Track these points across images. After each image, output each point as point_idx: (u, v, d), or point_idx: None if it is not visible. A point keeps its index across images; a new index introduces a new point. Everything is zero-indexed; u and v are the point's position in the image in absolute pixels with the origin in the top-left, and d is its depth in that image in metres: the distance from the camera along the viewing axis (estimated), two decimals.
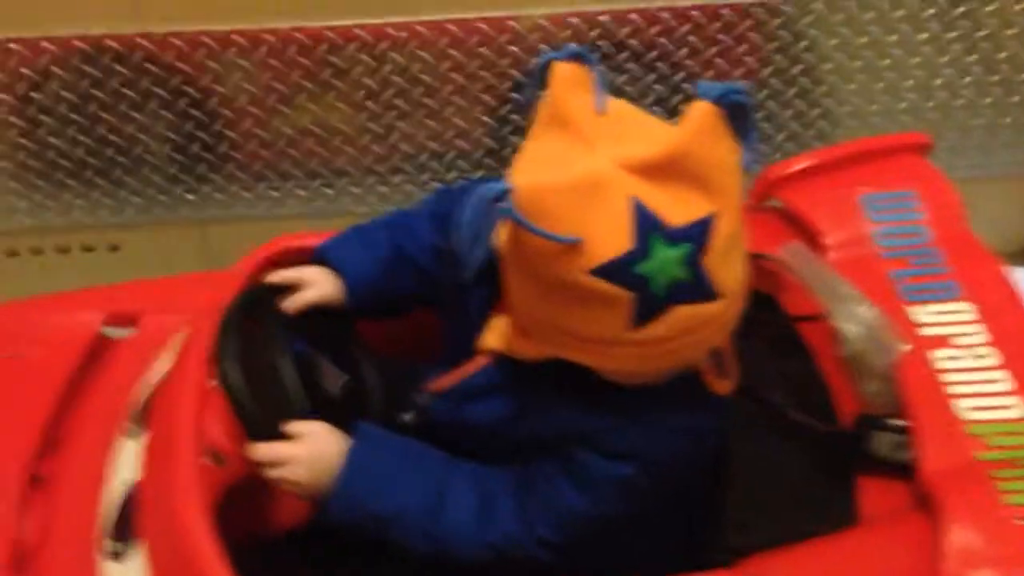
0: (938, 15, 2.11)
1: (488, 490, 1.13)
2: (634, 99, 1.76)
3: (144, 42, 2.02)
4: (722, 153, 0.93)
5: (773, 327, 1.44)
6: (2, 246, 2.28)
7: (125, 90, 2.08)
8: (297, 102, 2.11)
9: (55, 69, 2.04)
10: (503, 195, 0.90)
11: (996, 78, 2.19)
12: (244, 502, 1.25)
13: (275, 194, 2.22)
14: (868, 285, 1.37)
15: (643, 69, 2.12)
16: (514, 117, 2.18)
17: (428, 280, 1.27)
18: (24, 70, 2.04)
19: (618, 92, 1.89)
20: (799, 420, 1.32)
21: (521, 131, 2.20)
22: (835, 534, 1.18)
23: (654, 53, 2.10)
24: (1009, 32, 2.13)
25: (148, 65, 2.05)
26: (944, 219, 1.50)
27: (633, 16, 2.05)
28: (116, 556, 1.22)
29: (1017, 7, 2.12)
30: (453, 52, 2.07)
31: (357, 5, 2.03)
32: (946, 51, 2.15)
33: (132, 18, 2.00)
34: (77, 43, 2.02)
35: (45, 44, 2.02)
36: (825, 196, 1.55)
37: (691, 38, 2.09)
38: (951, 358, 1.30)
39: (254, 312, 1.23)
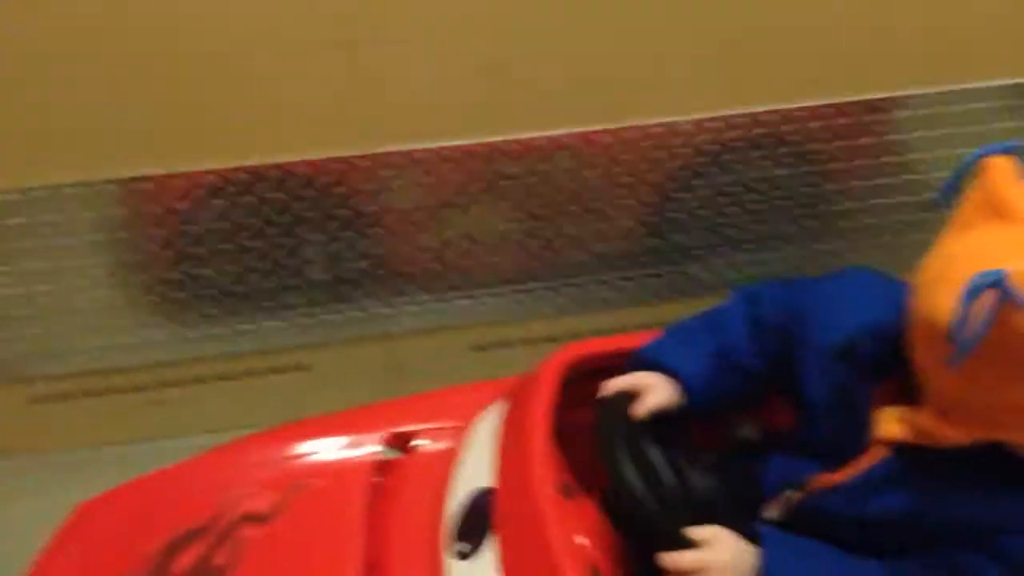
0: None
1: None
2: None
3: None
4: None
5: None
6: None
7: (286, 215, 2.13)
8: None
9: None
10: (1000, 282, 0.93)
11: None
12: None
13: (466, 303, 2.25)
14: None
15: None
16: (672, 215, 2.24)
17: (753, 381, 1.31)
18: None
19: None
20: None
21: (678, 228, 2.26)
22: None
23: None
24: None
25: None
26: None
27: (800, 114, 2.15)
28: None
29: None
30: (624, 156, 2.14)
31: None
32: None
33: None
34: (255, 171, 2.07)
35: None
36: None
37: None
38: None
39: (605, 421, 1.23)
